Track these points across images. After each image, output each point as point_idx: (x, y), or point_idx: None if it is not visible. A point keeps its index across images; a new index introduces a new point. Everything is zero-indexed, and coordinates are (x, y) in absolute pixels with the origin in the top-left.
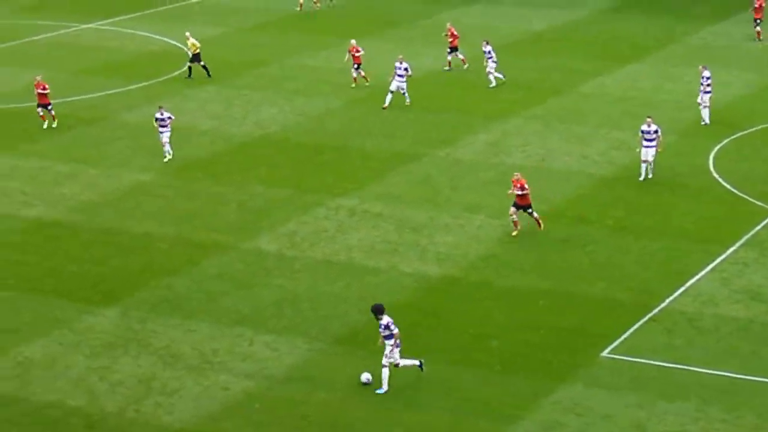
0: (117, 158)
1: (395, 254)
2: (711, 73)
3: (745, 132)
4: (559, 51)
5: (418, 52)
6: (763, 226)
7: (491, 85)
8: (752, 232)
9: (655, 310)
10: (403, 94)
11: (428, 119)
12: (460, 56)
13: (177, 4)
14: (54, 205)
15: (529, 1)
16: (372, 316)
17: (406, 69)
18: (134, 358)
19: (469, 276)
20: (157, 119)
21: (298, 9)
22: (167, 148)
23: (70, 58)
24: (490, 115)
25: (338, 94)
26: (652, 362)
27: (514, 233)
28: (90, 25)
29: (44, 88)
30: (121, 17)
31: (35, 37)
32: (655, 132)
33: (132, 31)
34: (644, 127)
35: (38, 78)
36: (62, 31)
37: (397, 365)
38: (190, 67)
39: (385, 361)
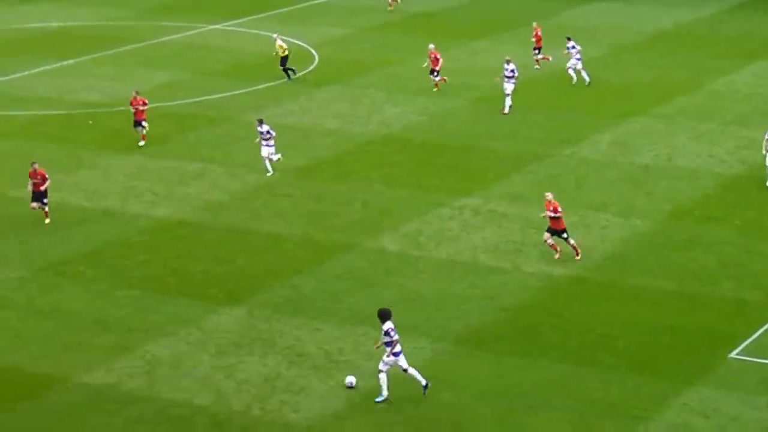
0: (243, 158)
1: (519, 254)
2: None
3: None
4: (687, 48)
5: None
6: None
7: (573, 82)
8: None
9: None
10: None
11: (553, 119)
12: (540, 57)
13: (301, 5)
14: (180, 205)
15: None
16: (383, 318)
17: (512, 71)
18: (260, 357)
19: (594, 276)
20: (259, 133)
21: (390, 8)
22: (266, 163)
23: (197, 59)
24: (617, 114)
25: (461, 94)
26: None
27: (557, 256)
28: (216, 26)
29: (144, 104)
30: (247, 18)
31: (163, 39)
32: None
33: (257, 32)
34: None
35: (135, 93)
36: (189, 32)
37: (405, 371)
38: (286, 71)
39: (381, 366)
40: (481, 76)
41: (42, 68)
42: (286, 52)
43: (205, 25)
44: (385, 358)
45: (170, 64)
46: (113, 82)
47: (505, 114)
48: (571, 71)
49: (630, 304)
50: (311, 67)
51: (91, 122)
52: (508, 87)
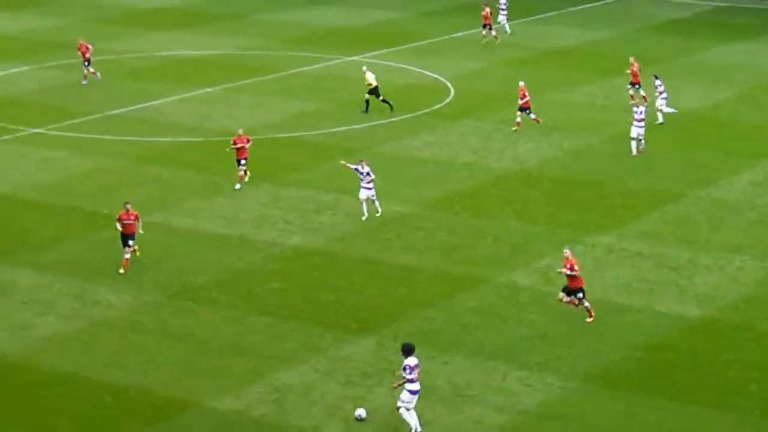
0: (377, 189)
1: (652, 294)
2: None
3: None
4: None
5: (679, 89)
6: None
7: (658, 122)
8: None
9: None
10: (640, 140)
11: (688, 157)
12: (637, 91)
13: (437, 38)
14: (314, 234)
15: None
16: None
17: (641, 113)
18: (388, 388)
19: (728, 318)
20: (358, 171)
21: (497, 41)
22: (364, 207)
23: (334, 90)
24: (754, 154)
25: (596, 131)
26: None
27: (589, 320)
28: (354, 58)
29: (248, 141)
30: (384, 50)
31: (301, 69)
32: None
33: (393, 64)
34: None
35: (240, 131)
36: (326, 63)
37: (398, 408)
38: (384, 101)
39: (398, 403)
40: (618, 113)
41: (184, 95)
42: (373, 84)
43: (342, 56)
44: (401, 395)
45: (307, 94)
46: (251, 111)
47: (635, 155)
48: (659, 113)
49: (764, 347)
50: (447, 100)
51: (228, 150)
52: (637, 131)
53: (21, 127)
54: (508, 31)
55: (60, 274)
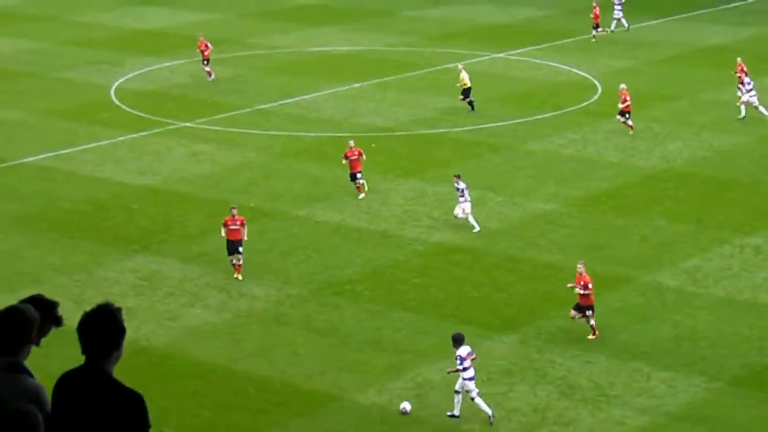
0: (521, 186)
1: None
2: None
3: None
4: None
5: None
6: None
7: (742, 116)
8: None
9: None
10: None
11: None
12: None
13: (581, 37)
14: (458, 230)
15: None
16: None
17: None
18: (531, 386)
19: None
20: (457, 190)
21: (593, 39)
22: (471, 220)
23: (481, 86)
24: None
25: (748, 131)
26: None
27: (591, 334)
28: (500, 55)
29: (360, 154)
30: (531, 47)
31: (447, 65)
32: None
33: (541, 62)
34: None
35: (351, 143)
36: (473, 60)
37: (472, 399)
38: (470, 103)
39: (472, 394)
40: None
41: (331, 90)
42: (468, 85)
43: (490, 53)
44: (468, 386)
45: (453, 91)
46: (396, 107)
47: None
48: (744, 105)
49: None
50: (594, 98)
51: (373, 145)
52: None
53: (171, 121)
54: (626, 26)
55: (207, 266)
